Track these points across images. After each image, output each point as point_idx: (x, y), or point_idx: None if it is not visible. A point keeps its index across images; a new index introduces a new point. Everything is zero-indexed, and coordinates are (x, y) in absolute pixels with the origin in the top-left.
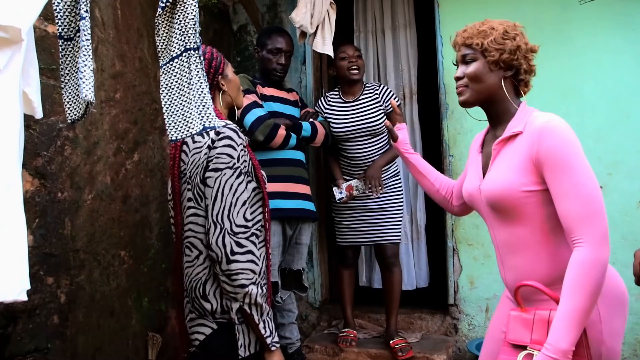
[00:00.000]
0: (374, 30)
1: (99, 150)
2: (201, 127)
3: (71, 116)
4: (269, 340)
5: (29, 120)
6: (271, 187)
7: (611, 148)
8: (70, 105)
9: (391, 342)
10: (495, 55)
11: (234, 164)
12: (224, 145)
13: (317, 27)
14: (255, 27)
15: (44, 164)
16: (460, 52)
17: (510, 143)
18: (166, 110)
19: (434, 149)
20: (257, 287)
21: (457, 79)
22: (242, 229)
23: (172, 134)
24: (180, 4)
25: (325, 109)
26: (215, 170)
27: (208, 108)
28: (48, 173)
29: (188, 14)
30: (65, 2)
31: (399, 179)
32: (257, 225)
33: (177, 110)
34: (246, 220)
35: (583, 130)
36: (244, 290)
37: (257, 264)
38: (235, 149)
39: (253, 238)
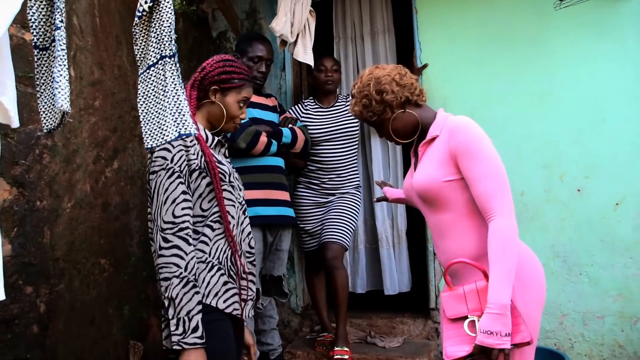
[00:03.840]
0: (354, 36)
1: (78, 158)
2: (177, 134)
3: (47, 126)
4: (175, 338)
5: (6, 128)
6: (251, 194)
7: (588, 152)
8: (46, 114)
9: (331, 351)
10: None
11: (167, 165)
12: (160, 149)
13: (298, 35)
14: (235, 34)
15: (22, 172)
16: None
17: (432, 144)
18: (143, 119)
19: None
20: (181, 282)
21: None
22: (170, 225)
23: (148, 142)
24: (157, 12)
25: (302, 114)
26: (152, 172)
27: (184, 115)
28: (26, 182)
29: (163, 21)
30: (40, 12)
31: (359, 192)
32: (214, 216)
33: (153, 118)
34: (175, 216)
35: (560, 135)
36: (165, 284)
37: (182, 259)
38: (170, 151)
39: (182, 233)
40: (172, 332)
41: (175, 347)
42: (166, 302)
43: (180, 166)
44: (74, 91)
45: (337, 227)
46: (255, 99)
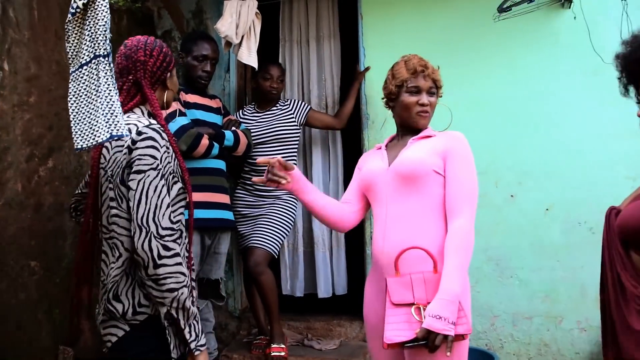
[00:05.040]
0: (299, 40)
1: (10, 157)
2: (108, 135)
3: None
4: (193, 345)
5: None
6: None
7: (521, 158)
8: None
9: (267, 349)
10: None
11: (157, 165)
12: (147, 147)
13: (243, 37)
14: (180, 33)
15: None
16: (428, 84)
17: (423, 139)
18: (73, 118)
19: (355, 159)
20: (188, 290)
21: (423, 105)
22: (169, 232)
23: (78, 143)
24: (92, 10)
25: (240, 119)
26: (138, 172)
27: (117, 116)
28: None
29: (99, 20)
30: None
31: (295, 197)
32: (179, 224)
33: (84, 119)
34: (172, 222)
35: (495, 142)
36: (173, 295)
37: (185, 266)
38: (158, 150)
39: (180, 240)
40: (189, 340)
41: (196, 352)
42: (174, 313)
43: (165, 167)
44: (7, 86)
45: (264, 232)
46: (198, 99)
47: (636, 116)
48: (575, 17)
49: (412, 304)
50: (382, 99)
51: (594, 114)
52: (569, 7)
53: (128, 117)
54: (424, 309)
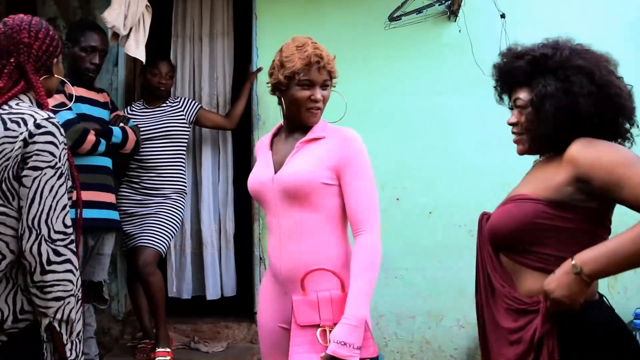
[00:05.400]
0: (192, 36)
1: None
2: None
3: None
4: None
5: None
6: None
7: (407, 163)
8: None
9: (152, 353)
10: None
11: (56, 163)
12: (46, 142)
13: (131, 29)
14: (65, 21)
15: None
16: (322, 77)
17: (312, 144)
18: None
19: (245, 159)
20: (75, 301)
21: (316, 101)
22: (61, 236)
23: None
24: None
25: (128, 115)
26: (35, 168)
27: None
28: None
29: None
30: None
31: (182, 197)
32: (72, 229)
33: None
34: (65, 226)
35: (382, 147)
36: (58, 304)
37: (75, 275)
38: (57, 147)
39: (72, 246)
40: (68, 358)
41: None
42: (57, 325)
43: (64, 166)
44: None
45: (152, 231)
46: (85, 93)
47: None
48: (460, 31)
49: (317, 326)
50: (267, 83)
51: (475, 123)
52: (455, 21)
53: (17, 105)
54: (330, 331)
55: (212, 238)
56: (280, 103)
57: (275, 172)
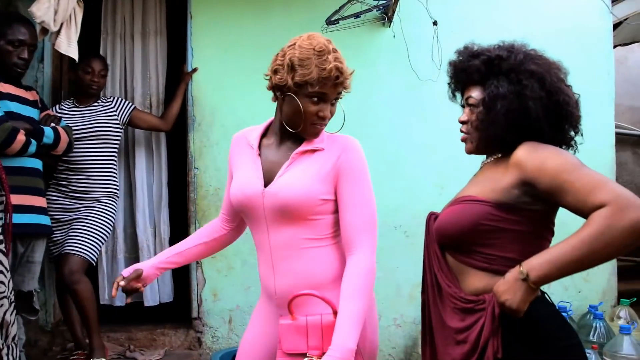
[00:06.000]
0: (123, 34)
1: None
2: None
3: None
4: None
5: None
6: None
7: None
8: None
9: None
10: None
11: None
12: None
13: (62, 25)
14: None
15: None
16: (336, 92)
17: (308, 155)
18: None
19: (180, 161)
20: (8, 303)
21: (324, 118)
22: None
23: None
24: None
25: (57, 113)
26: None
27: None
28: None
29: None
30: None
31: (114, 200)
32: None
33: None
34: None
35: None
36: None
37: (6, 276)
38: None
39: (1, 246)
40: None
41: None
42: None
43: None
44: None
45: (79, 237)
46: (13, 90)
47: (444, 129)
48: (394, 36)
49: (304, 354)
50: (266, 76)
51: (409, 127)
52: (390, 26)
53: None
54: None
55: (148, 242)
56: (277, 102)
57: (266, 185)
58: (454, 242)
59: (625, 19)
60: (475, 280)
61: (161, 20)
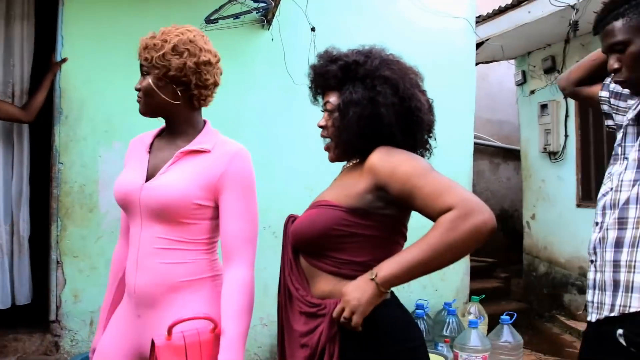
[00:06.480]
0: None
1: None
2: None
3: None
4: None
5: None
6: None
7: None
8: None
9: None
10: (161, 71)
11: None
12: None
13: None
14: None
15: None
16: (140, 62)
17: (193, 156)
18: None
19: (44, 156)
20: None
21: (137, 89)
22: None
23: None
24: None
25: None
26: None
27: None
28: None
29: None
30: None
31: None
32: None
33: None
34: None
35: None
36: None
37: None
38: None
39: None
40: None
41: None
42: None
43: None
44: None
45: None
46: None
47: (315, 133)
48: (272, 39)
49: None
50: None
51: (282, 129)
52: (269, 29)
53: None
54: None
55: (1, 241)
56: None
57: (147, 181)
58: (306, 246)
59: (487, 39)
60: (323, 284)
61: (29, 5)
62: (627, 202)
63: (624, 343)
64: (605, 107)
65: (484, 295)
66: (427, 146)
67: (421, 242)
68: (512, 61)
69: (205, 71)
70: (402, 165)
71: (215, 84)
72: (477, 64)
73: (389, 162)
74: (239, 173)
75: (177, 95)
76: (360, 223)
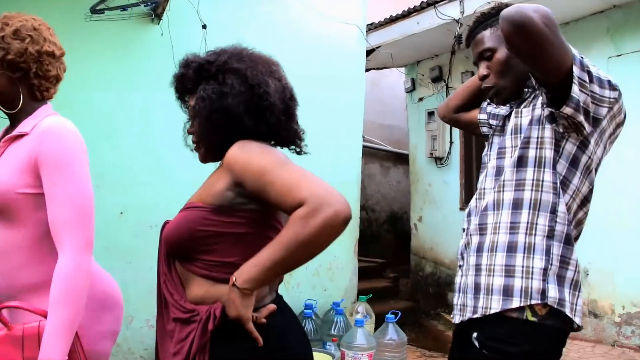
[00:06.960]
0: None
1: None
2: None
3: None
4: None
5: None
6: None
7: (99, 162)
8: None
9: None
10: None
11: None
12: None
13: None
14: None
15: None
16: None
17: (16, 143)
18: None
19: None
20: None
21: None
22: None
23: None
24: None
25: None
26: None
27: None
28: None
29: None
30: None
31: None
32: None
33: None
34: None
35: None
36: None
37: None
38: None
39: None
40: None
41: None
42: None
43: None
44: None
45: None
46: None
47: None
48: (162, 34)
49: None
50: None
51: (173, 124)
52: (158, 24)
53: None
54: None
55: None
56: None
57: None
58: (176, 250)
59: (378, 47)
60: (196, 288)
61: None
62: (485, 208)
63: (477, 345)
64: (484, 129)
65: (371, 295)
66: (297, 134)
67: (275, 241)
68: (402, 69)
69: (47, 62)
70: (255, 159)
71: (58, 78)
72: (368, 70)
73: (242, 156)
74: (50, 152)
75: (13, 82)
76: (225, 221)
